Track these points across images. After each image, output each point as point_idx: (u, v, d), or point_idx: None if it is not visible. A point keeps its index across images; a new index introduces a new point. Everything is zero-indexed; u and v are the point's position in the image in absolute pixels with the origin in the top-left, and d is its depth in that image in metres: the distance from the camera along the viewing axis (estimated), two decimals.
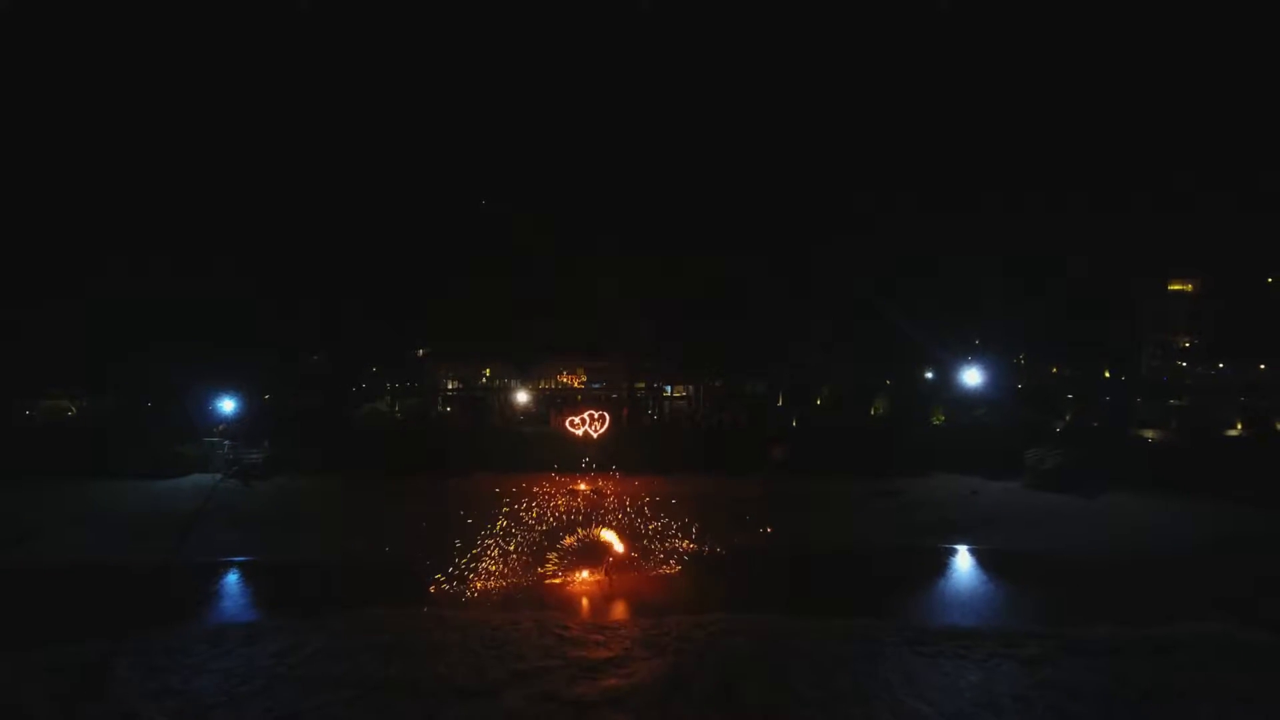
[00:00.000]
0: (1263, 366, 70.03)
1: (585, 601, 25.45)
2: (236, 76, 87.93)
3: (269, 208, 78.64)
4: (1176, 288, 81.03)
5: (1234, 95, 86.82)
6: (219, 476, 51.47)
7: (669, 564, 29.34)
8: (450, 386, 72.79)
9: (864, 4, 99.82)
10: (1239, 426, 61.78)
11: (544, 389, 71.60)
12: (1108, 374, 79.74)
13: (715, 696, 15.87)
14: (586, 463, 46.33)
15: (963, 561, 35.33)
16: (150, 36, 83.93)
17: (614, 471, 42.69)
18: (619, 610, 24.59)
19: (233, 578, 32.41)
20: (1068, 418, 65.02)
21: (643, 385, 71.45)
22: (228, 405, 58.81)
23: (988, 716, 14.95)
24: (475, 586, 26.75)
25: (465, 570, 27.31)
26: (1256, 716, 14.70)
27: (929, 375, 73.51)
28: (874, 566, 33.74)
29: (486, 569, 27.48)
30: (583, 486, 41.22)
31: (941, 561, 35.01)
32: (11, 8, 69.28)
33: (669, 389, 72.07)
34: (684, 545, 31.18)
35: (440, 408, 70.12)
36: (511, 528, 28.54)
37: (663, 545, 30.81)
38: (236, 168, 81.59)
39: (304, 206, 79.54)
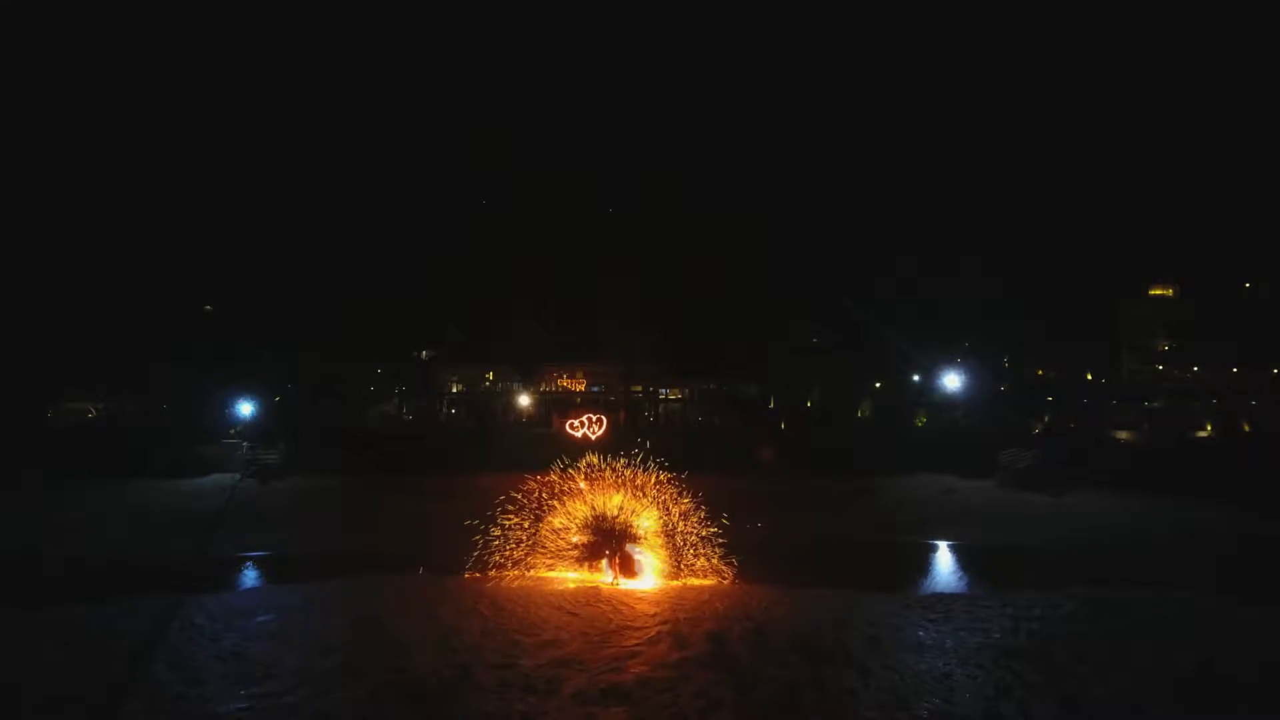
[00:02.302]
0: (1235, 370, 72.74)
1: (588, 585, 28.09)
2: (256, 85, 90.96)
3: (282, 212, 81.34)
4: (1157, 293, 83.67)
5: (1215, 106, 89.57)
6: (238, 476, 54.10)
7: (664, 553, 31.95)
8: (455, 390, 75.59)
9: (860, 23, 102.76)
10: (1209, 428, 64.44)
11: (545, 392, 74.34)
12: (1089, 377, 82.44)
13: (709, 653, 18.43)
14: (585, 462, 48.58)
15: (929, 552, 38.42)
16: (186, 51, 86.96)
17: (611, 471, 45.17)
18: (619, 589, 27.30)
19: (257, 570, 35.15)
20: (1046, 420, 67.74)
21: (639, 388, 74.19)
22: (245, 408, 61.48)
23: (931, 658, 17.96)
24: (481, 576, 29.22)
25: (471, 563, 29.77)
26: (1131, 659, 17.61)
27: (915, 378, 76.12)
28: (852, 556, 36.83)
29: (492, 561, 29.91)
30: (582, 485, 43.73)
31: (910, 553, 38.16)
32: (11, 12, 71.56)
33: (664, 392, 74.87)
34: (678, 538, 33.70)
35: (446, 410, 72.90)
36: (515, 523, 30.98)
37: (658, 537, 33.39)
38: (251, 172, 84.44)
39: (314, 211, 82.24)
